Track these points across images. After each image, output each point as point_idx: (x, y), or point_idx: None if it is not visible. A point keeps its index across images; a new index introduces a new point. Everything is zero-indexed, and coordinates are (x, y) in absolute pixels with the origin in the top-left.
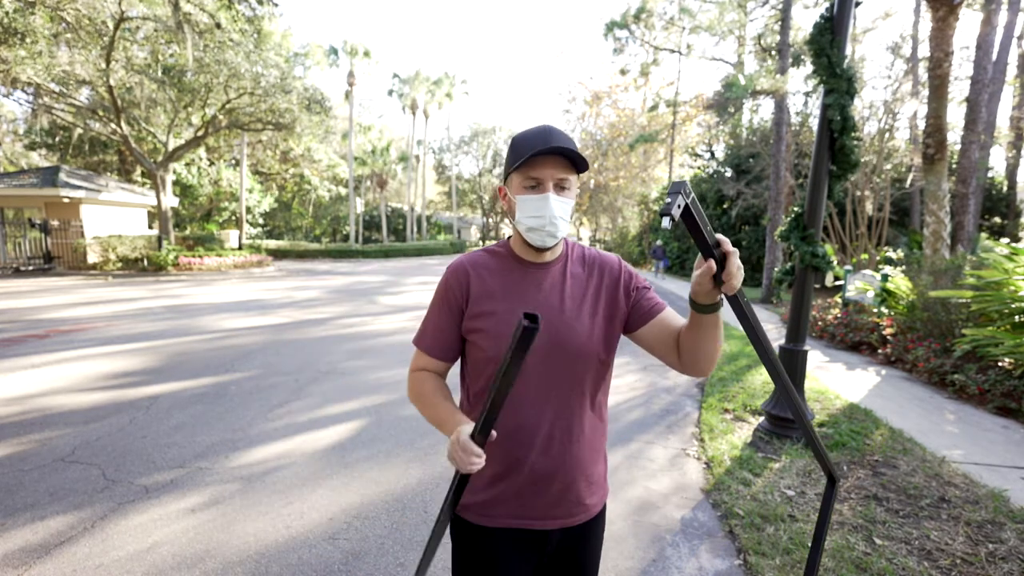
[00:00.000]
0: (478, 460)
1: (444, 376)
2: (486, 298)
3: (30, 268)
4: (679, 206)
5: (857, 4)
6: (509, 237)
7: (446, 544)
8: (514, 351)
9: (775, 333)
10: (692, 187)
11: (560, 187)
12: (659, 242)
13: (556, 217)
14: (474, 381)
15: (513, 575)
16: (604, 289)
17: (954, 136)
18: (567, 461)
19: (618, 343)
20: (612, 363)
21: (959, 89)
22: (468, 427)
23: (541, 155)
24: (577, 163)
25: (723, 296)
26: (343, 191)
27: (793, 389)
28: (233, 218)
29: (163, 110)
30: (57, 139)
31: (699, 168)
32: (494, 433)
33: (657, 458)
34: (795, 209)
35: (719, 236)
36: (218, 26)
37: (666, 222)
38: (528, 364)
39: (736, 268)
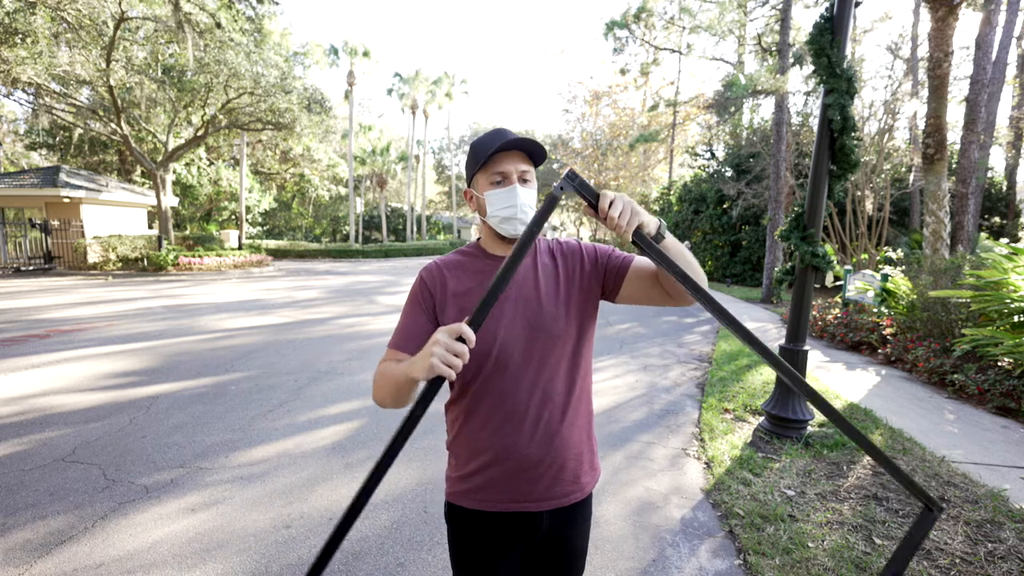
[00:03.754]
0: (465, 348)
1: None
2: (463, 295)
3: (31, 268)
4: (560, 187)
5: (857, 4)
6: (479, 239)
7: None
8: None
9: (775, 333)
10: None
11: (523, 179)
12: (685, 243)
13: (525, 206)
14: (460, 375)
15: (503, 560)
16: (574, 272)
17: (954, 136)
18: (557, 443)
19: (594, 323)
20: (591, 344)
21: (959, 89)
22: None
23: (502, 151)
24: (535, 157)
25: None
26: (343, 191)
27: (783, 362)
28: (233, 218)
29: (163, 110)
30: (57, 139)
31: (699, 168)
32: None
33: (657, 458)
34: (795, 209)
35: (602, 192)
36: (218, 26)
37: (557, 192)
38: (510, 352)
39: (615, 214)
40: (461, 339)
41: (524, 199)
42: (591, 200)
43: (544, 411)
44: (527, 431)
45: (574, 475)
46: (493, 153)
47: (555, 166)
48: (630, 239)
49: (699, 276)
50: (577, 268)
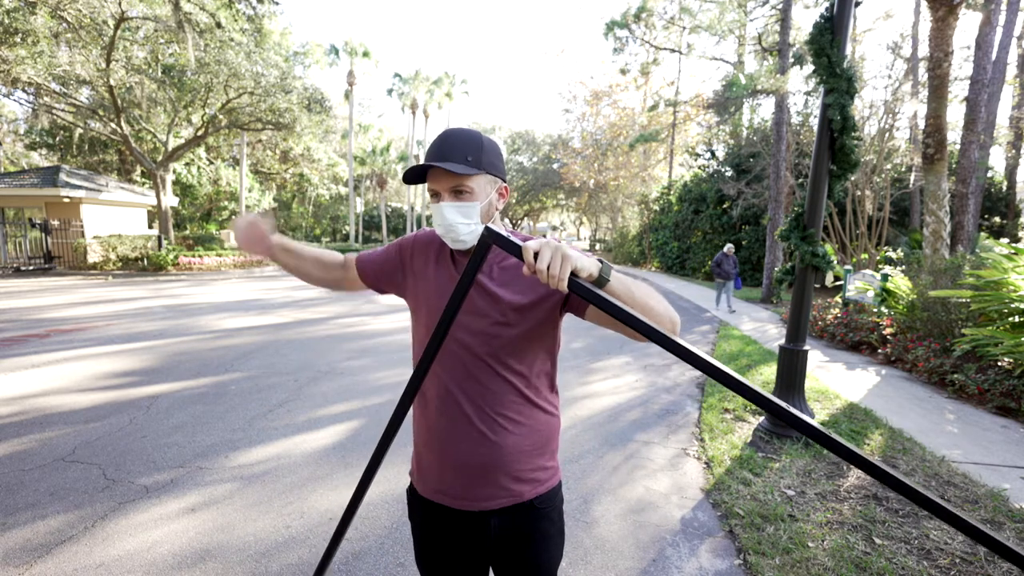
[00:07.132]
0: None
1: (341, 270)
2: (420, 273)
3: (31, 268)
4: (485, 240)
5: (857, 4)
6: None
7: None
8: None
9: (775, 333)
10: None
11: (457, 193)
12: (729, 247)
13: (454, 223)
14: (415, 334)
15: (452, 555)
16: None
17: (954, 136)
18: (487, 441)
19: (552, 328)
20: (548, 347)
21: (959, 89)
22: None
23: (429, 170)
24: (475, 162)
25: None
26: (343, 191)
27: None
28: (233, 217)
29: (163, 110)
30: (57, 139)
31: (699, 168)
32: None
33: (657, 458)
34: (795, 209)
35: (524, 246)
36: (218, 25)
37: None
38: (453, 334)
39: (544, 267)
40: None
41: (451, 216)
42: (515, 255)
43: (483, 409)
44: (460, 420)
45: (504, 482)
46: (420, 171)
47: (555, 166)
48: (565, 289)
49: (657, 315)
50: None
